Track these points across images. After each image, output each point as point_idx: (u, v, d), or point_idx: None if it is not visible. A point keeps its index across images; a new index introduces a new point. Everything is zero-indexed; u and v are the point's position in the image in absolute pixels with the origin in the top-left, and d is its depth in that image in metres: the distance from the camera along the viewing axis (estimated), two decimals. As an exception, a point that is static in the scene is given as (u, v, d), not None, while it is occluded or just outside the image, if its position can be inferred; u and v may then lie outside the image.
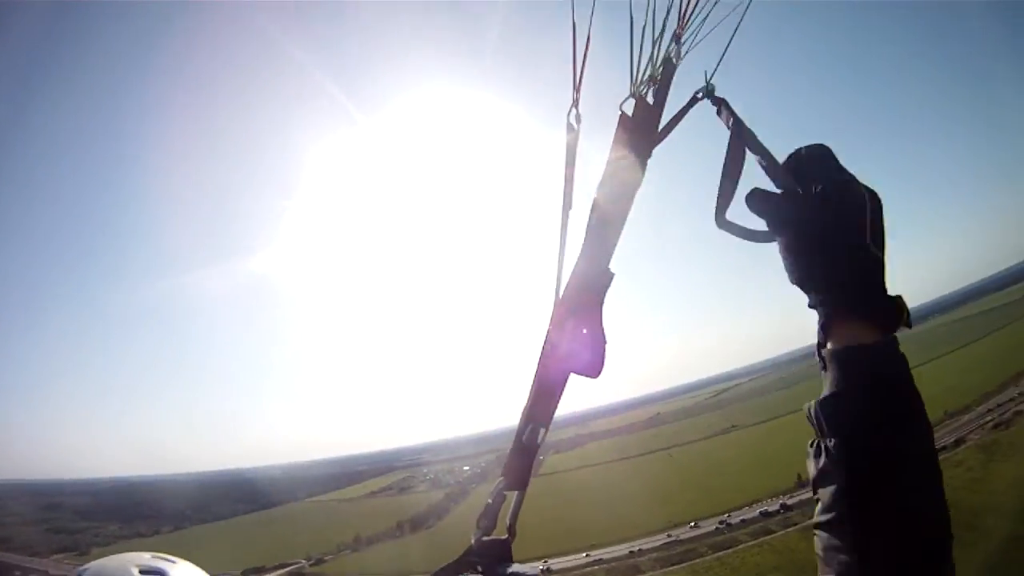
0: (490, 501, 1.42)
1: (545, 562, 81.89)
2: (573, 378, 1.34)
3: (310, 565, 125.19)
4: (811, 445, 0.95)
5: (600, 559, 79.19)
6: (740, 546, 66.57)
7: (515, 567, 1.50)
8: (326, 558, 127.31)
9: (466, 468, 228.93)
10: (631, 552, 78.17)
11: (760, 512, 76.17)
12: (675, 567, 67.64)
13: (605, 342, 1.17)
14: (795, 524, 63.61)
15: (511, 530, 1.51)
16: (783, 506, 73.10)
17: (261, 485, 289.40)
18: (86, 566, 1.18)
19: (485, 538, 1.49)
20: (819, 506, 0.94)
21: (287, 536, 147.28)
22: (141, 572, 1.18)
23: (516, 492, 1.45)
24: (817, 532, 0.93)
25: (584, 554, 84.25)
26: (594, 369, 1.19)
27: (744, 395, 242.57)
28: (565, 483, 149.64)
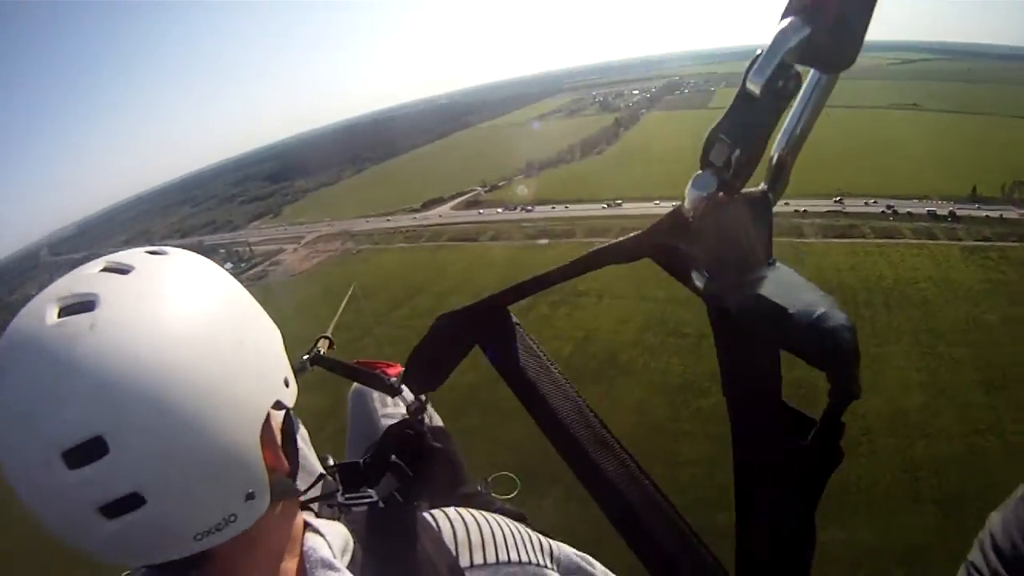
0: None
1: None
2: None
3: (485, 192, 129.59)
4: None
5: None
6: (901, 240, 69.80)
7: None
8: (500, 184, 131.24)
9: (635, 92, 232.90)
10: (796, 211, 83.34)
11: (928, 211, 79.00)
12: (837, 240, 72.01)
13: None
14: (959, 240, 68.94)
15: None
16: (952, 215, 76.72)
17: (429, 117, 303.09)
18: (8, 329, 0.81)
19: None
20: None
21: (463, 165, 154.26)
22: (63, 312, 0.77)
23: None
24: None
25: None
26: None
27: (930, 73, 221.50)
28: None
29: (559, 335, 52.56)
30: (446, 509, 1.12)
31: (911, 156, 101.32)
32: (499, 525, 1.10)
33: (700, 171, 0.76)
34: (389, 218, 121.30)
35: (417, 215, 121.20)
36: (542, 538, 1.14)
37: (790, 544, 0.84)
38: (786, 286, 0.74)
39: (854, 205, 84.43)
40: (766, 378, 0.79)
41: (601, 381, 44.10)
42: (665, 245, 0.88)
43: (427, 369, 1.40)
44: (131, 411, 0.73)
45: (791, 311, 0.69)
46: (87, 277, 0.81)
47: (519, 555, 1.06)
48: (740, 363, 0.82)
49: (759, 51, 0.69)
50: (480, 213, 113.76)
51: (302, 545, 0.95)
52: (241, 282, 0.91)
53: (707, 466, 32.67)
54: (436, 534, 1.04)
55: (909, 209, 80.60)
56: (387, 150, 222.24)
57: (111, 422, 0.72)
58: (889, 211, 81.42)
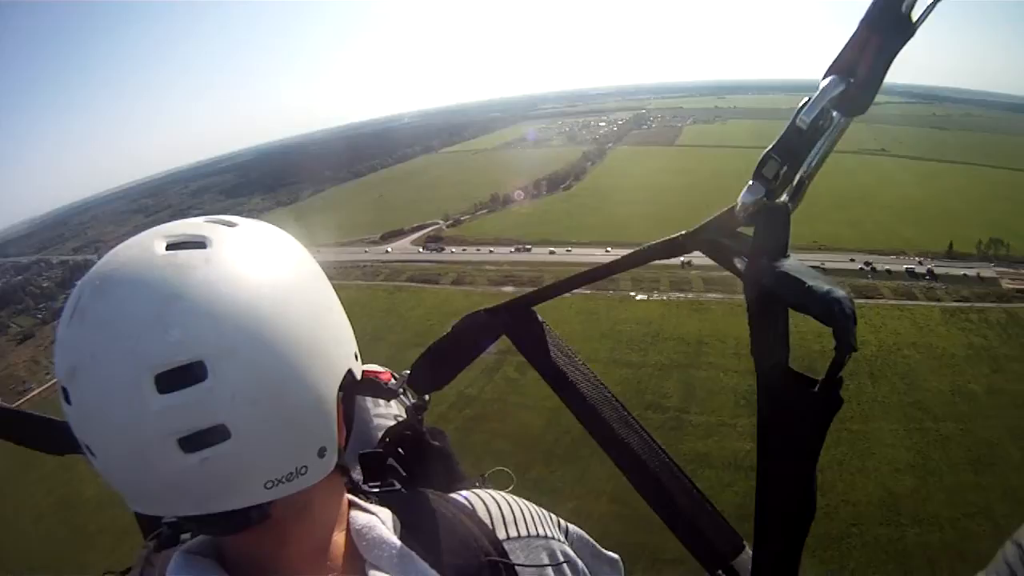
0: None
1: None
2: None
3: (447, 226, 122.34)
4: None
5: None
6: (881, 300, 66.97)
7: None
8: (463, 219, 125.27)
9: (602, 124, 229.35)
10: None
11: (907, 269, 76.62)
12: (815, 299, 69.13)
13: None
14: (938, 300, 67.04)
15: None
16: (930, 272, 74.93)
17: (395, 136, 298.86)
18: (108, 256, 0.80)
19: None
20: None
21: (423, 194, 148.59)
22: (170, 247, 0.78)
23: None
24: None
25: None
26: None
27: (894, 118, 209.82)
28: (699, 161, 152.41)
29: (527, 404, 47.76)
30: (475, 490, 1.18)
31: (885, 207, 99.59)
32: (521, 503, 1.17)
33: (752, 181, 0.99)
34: (340, 249, 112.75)
35: (376, 247, 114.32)
36: (554, 515, 1.23)
37: (797, 494, 1.00)
38: (802, 270, 0.94)
39: (835, 261, 78.62)
40: (783, 336, 0.98)
41: (575, 460, 39.85)
42: (713, 239, 1.11)
43: (438, 369, 1.51)
44: (238, 341, 0.73)
45: (808, 284, 0.90)
46: (193, 223, 0.83)
47: (543, 530, 1.14)
48: (764, 327, 1.01)
49: (808, 98, 0.92)
50: (440, 251, 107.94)
51: (350, 522, 0.96)
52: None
53: (693, 564, 31.61)
54: (471, 511, 1.09)
55: (887, 266, 78.02)
56: (350, 170, 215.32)
57: (216, 348, 0.72)
58: (868, 268, 77.91)
